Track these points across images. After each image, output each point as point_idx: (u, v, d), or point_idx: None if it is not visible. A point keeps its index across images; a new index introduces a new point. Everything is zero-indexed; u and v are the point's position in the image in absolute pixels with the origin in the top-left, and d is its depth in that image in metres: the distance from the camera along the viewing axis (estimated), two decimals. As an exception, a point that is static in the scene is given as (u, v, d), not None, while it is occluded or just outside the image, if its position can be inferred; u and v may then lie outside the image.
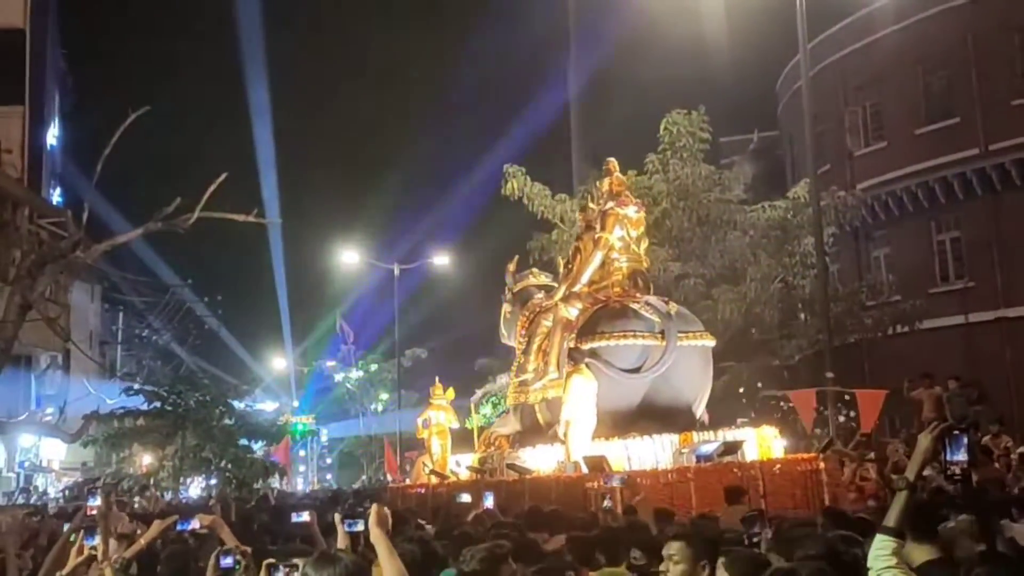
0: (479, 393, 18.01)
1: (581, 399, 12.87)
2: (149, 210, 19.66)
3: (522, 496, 11.37)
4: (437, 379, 18.83)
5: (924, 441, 3.69)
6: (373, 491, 20.35)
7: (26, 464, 29.98)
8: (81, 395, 28.59)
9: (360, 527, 4.70)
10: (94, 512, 6.14)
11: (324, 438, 51.41)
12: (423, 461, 17.25)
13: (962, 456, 3.67)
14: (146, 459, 25.15)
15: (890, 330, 24.12)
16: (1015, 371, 25.10)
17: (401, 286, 34.85)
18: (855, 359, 25.65)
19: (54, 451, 31.49)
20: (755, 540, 5.63)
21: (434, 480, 15.49)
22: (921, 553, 3.92)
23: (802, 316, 23.69)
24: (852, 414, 19.21)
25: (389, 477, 29.73)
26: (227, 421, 24.42)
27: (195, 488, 27.48)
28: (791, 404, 20.26)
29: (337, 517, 4.93)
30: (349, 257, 38.45)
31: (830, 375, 19.21)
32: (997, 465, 13.85)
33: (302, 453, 49.43)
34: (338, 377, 47.41)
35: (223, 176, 21.62)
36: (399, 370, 37.99)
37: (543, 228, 23.57)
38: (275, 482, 29.52)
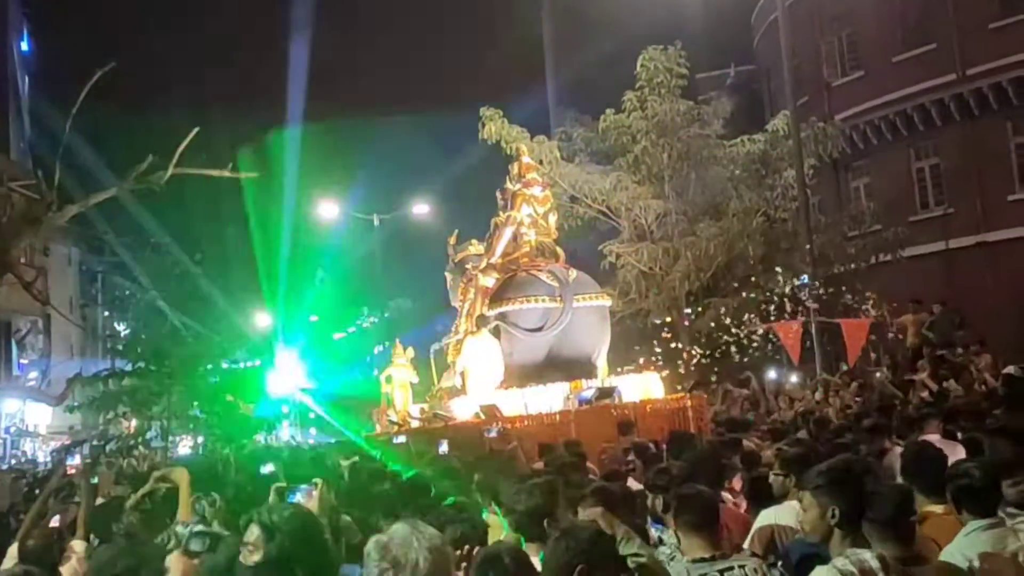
0: (433, 348, 18.62)
1: (475, 355, 15.09)
2: (129, 162, 19.31)
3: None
4: (397, 340, 20.53)
5: None
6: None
7: (12, 430, 29.87)
8: (64, 359, 28.44)
9: (299, 499, 4.36)
10: (73, 472, 6.12)
11: (308, 398, 51.31)
12: (387, 413, 18.83)
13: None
14: (133, 420, 25.04)
15: (872, 259, 24.15)
16: (996, 295, 25.25)
17: (382, 237, 34.65)
18: (838, 290, 25.77)
19: (40, 416, 31.38)
20: (629, 463, 7.78)
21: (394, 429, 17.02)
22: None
23: (785, 249, 23.66)
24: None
25: (377, 427, 29.77)
26: (213, 378, 24.26)
27: (184, 447, 27.45)
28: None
29: (273, 488, 4.61)
30: (328, 210, 38.16)
31: (814, 306, 19.30)
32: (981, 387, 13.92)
33: (285, 408, 49.44)
34: (322, 330, 47.25)
35: (194, 131, 21.29)
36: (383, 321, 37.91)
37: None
38: (262, 437, 29.55)
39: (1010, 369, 14.36)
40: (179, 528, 5.63)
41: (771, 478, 6.07)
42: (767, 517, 5.45)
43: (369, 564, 2.91)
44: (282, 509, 3.53)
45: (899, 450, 6.95)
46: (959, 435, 7.77)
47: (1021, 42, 24.61)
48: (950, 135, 26.77)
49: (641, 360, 22.14)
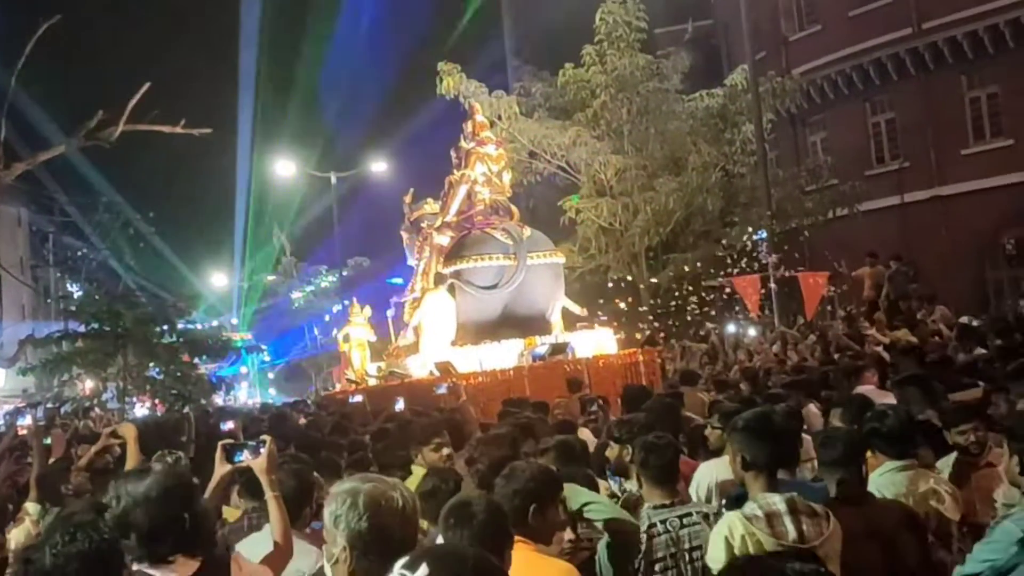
0: (391, 306, 18.73)
1: (430, 313, 15.33)
2: (78, 119, 18.89)
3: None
4: (354, 299, 20.96)
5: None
6: (302, 403, 20.76)
7: (-37, 393, 29.38)
8: (15, 321, 27.93)
9: (246, 457, 4.11)
10: (24, 432, 5.98)
11: (266, 355, 51.12)
12: (345, 372, 19.25)
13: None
14: (88, 382, 24.70)
15: (830, 213, 24.34)
16: (950, 248, 25.60)
17: (341, 195, 34.28)
18: (795, 244, 25.98)
19: (-8, 379, 30.88)
20: (592, 414, 8.02)
21: (351, 387, 17.48)
22: None
23: (743, 203, 23.78)
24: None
25: (337, 386, 29.73)
26: (169, 339, 23.94)
27: (140, 408, 27.14)
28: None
29: (220, 446, 4.29)
30: (285, 168, 37.67)
31: (773, 259, 19.42)
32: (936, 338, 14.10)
33: (244, 369, 49.17)
34: (281, 291, 46.92)
35: (146, 86, 20.85)
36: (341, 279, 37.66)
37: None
38: (220, 398, 29.30)
39: (964, 319, 14.59)
40: None
41: (708, 430, 6.27)
42: (705, 470, 5.57)
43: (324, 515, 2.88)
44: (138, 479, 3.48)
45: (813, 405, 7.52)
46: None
47: (976, -4, 24.73)
48: (906, 89, 26.92)
49: (600, 315, 22.24)
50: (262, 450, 4.06)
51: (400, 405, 10.59)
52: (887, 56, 26.86)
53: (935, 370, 8.14)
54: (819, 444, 4.37)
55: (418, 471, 5.72)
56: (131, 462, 5.66)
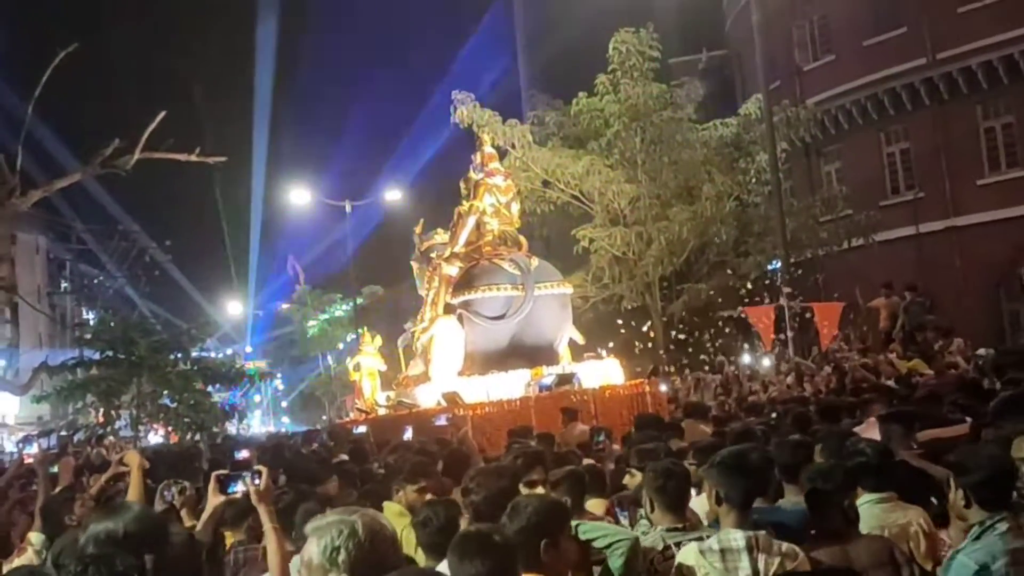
0: (401, 336, 18.76)
1: (439, 343, 15.43)
2: (94, 147, 19.04)
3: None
4: (365, 328, 21.34)
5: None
6: (315, 433, 20.82)
7: (-22, 421, 29.46)
8: (32, 348, 28.02)
9: (239, 489, 4.08)
10: (31, 461, 5.94)
11: (279, 383, 51.14)
12: (355, 400, 19.53)
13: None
14: (102, 410, 24.73)
15: (845, 244, 24.22)
16: (965, 279, 25.44)
17: (355, 224, 34.39)
18: (810, 274, 25.86)
19: (8, 406, 30.94)
20: (599, 445, 7.93)
21: (361, 416, 17.55)
22: None
23: (757, 233, 23.71)
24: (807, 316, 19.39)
25: (352, 415, 29.71)
26: (183, 366, 23.97)
27: (154, 436, 27.12)
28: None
29: (214, 477, 4.28)
30: (300, 196, 37.83)
31: (787, 290, 19.32)
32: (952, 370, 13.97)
33: (257, 398, 49.19)
34: (295, 318, 47.01)
35: (162, 114, 21.01)
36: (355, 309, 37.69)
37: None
38: (233, 427, 29.29)
39: (981, 352, 14.46)
40: None
41: (627, 478, 6.28)
42: (699, 502, 5.49)
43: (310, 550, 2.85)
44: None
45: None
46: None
47: (990, 26, 24.68)
48: (920, 119, 26.86)
49: (611, 344, 22.19)
50: (257, 481, 4.01)
51: (409, 434, 10.56)
52: (901, 86, 26.83)
53: (924, 406, 8.09)
54: (805, 479, 4.53)
55: (390, 507, 5.70)
56: (133, 492, 5.64)
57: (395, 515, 5.46)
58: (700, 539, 4.34)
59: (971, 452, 4.31)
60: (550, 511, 3.63)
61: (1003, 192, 24.90)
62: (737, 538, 3.86)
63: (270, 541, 3.92)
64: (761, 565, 3.78)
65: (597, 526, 4.15)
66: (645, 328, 24.72)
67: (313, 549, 2.68)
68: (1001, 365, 11.99)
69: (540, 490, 4.64)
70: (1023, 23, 23.90)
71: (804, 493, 4.50)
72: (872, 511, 4.57)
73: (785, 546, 3.92)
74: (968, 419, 6.79)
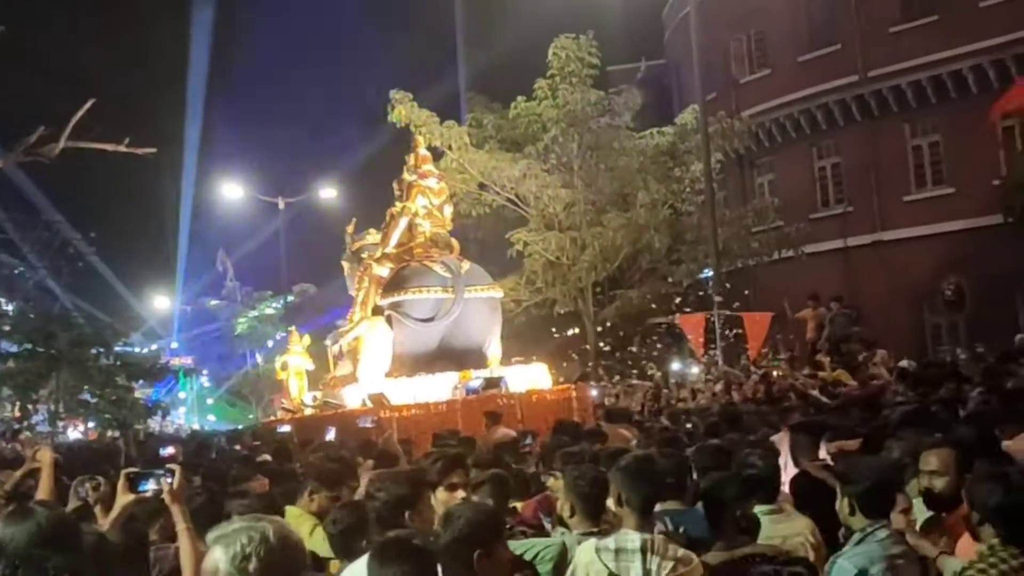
0: (330, 336, 18.65)
1: (367, 344, 15.40)
2: (18, 134, 18.43)
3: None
4: (294, 327, 21.33)
5: None
6: (240, 431, 20.65)
7: None
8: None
9: (151, 488, 4.00)
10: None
11: (205, 380, 50.27)
12: (282, 399, 19.38)
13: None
14: (17, 404, 24.02)
15: (775, 255, 24.56)
16: (890, 292, 26.01)
17: (289, 221, 33.92)
18: (740, 284, 26.19)
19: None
20: (525, 448, 7.98)
21: (287, 416, 17.40)
22: None
23: (690, 241, 23.93)
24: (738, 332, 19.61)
25: (279, 414, 29.30)
26: (105, 361, 23.39)
27: (73, 432, 26.45)
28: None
29: (123, 474, 4.18)
30: (232, 191, 37.23)
31: (718, 299, 19.54)
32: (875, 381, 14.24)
33: (182, 395, 48.27)
34: (224, 315, 46.23)
35: (90, 102, 20.43)
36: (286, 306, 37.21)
37: (432, 156, 23.11)
38: (156, 423, 28.68)
39: (904, 363, 14.76)
40: None
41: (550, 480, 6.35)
42: None
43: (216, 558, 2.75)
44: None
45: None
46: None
47: (920, 46, 25.29)
48: (851, 135, 27.41)
49: (543, 349, 22.18)
50: (170, 479, 3.88)
51: (331, 435, 10.51)
52: (834, 102, 27.34)
53: (836, 417, 8.25)
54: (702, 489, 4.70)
55: (291, 510, 5.63)
56: (43, 489, 5.45)
57: (295, 517, 5.41)
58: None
59: (855, 463, 4.53)
60: (484, 520, 3.55)
61: (928, 209, 25.52)
62: (633, 539, 3.95)
63: (183, 541, 3.80)
64: (653, 567, 3.86)
65: (522, 543, 4.10)
66: (570, 333, 24.81)
67: (220, 557, 2.55)
68: (921, 377, 12.27)
69: (461, 493, 4.54)
70: (952, 44, 24.50)
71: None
72: (762, 522, 4.66)
73: (681, 551, 4.00)
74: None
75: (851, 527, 4.28)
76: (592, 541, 4.09)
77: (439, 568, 3.32)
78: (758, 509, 4.71)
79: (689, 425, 10.02)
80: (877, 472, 4.31)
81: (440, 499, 4.58)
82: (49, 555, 3.21)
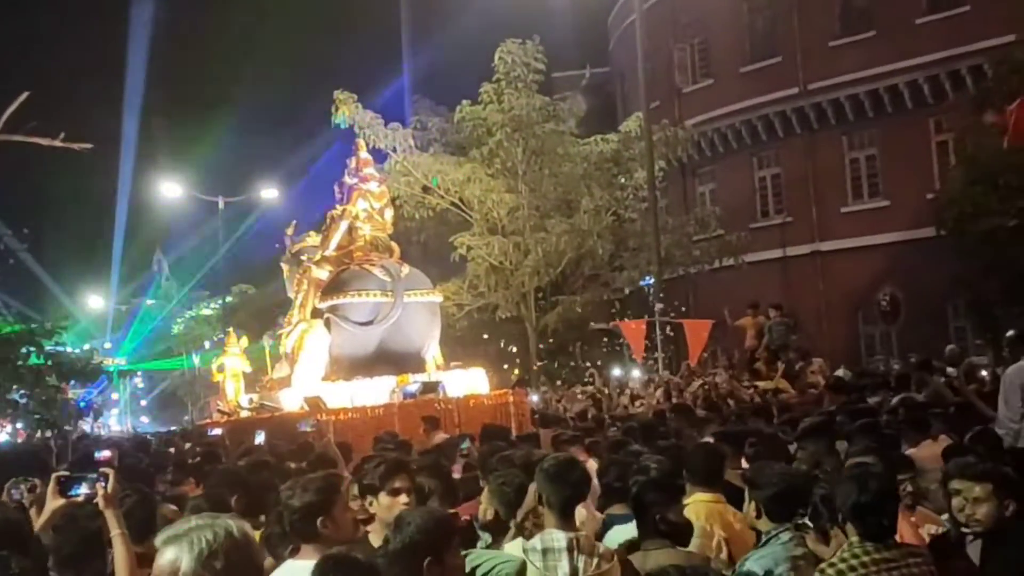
0: (267, 338, 18.51)
1: (304, 346, 15.44)
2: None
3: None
4: (231, 329, 21.28)
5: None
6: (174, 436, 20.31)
7: None
8: None
9: (83, 492, 3.92)
10: None
11: (139, 381, 49.38)
12: (217, 401, 19.12)
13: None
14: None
15: (716, 263, 24.82)
16: (827, 301, 26.48)
17: (228, 220, 33.46)
18: (682, 291, 26.43)
19: None
20: (464, 452, 8.11)
21: (222, 418, 17.27)
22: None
23: (632, 248, 24.07)
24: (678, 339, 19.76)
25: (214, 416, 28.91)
26: (35, 360, 22.83)
27: (1, 433, 25.74)
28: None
29: (54, 478, 4.08)
30: (170, 189, 36.64)
31: (659, 306, 19.68)
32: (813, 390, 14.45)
33: (115, 395, 47.32)
34: (159, 315, 45.45)
35: (24, 95, 19.93)
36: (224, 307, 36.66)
37: (376, 158, 22.95)
38: (88, 425, 28.07)
39: (839, 372, 15.01)
40: None
41: None
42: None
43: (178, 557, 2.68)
44: None
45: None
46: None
47: (858, 61, 25.80)
48: (791, 147, 27.87)
49: (484, 353, 22.16)
50: (103, 484, 3.78)
51: (260, 439, 10.41)
52: (774, 113, 27.78)
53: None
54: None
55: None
56: None
57: None
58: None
59: (761, 469, 4.71)
60: (435, 527, 3.50)
61: (865, 220, 26.03)
62: (559, 538, 4.05)
63: (118, 547, 3.72)
64: (580, 565, 3.96)
65: (480, 555, 4.04)
66: (510, 340, 24.82)
67: (183, 556, 2.46)
68: (856, 387, 12.49)
69: (404, 498, 4.47)
70: (889, 60, 25.04)
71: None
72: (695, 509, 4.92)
73: (603, 548, 4.16)
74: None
75: (758, 530, 4.49)
76: (519, 541, 4.19)
77: None
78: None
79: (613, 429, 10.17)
80: (783, 478, 4.50)
81: (383, 504, 4.50)
82: (10, 555, 3.12)
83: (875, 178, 26.55)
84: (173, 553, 2.48)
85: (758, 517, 4.44)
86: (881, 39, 25.44)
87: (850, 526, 4.07)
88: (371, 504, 4.55)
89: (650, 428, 8.95)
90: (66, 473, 4.15)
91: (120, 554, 3.70)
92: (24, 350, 22.56)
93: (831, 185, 26.99)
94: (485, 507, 4.85)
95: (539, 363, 24.37)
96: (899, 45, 24.87)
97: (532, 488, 4.69)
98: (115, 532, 3.74)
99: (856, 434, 6.81)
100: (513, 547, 4.21)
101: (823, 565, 3.94)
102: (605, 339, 27.81)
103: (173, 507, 5.82)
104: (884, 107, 25.66)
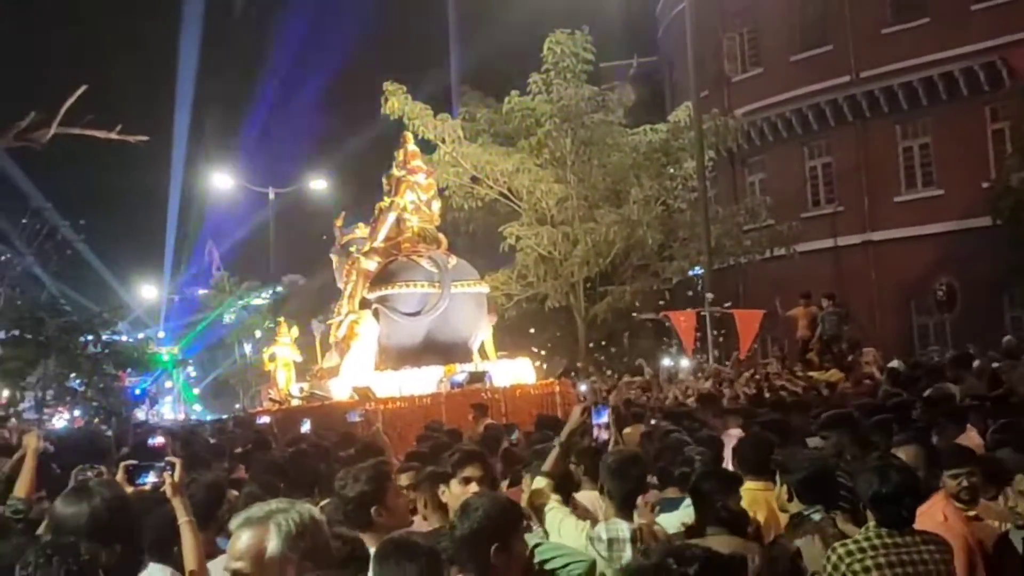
0: (318, 327, 18.71)
1: (353, 337, 15.51)
2: (8, 119, 18.33)
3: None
4: (282, 318, 21.53)
5: (575, 412, 4.97)
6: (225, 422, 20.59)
7: None
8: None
9: (150, 480, 4.03)
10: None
11: (192, 370, 50.08)
12: (268, 390, 19.35)
13: (604, 419, 5.24)
14: (5, 391, 23.93)
15: (767, 253, 24.62)
16: (879, 292, 26.17)
17: (278, 211, 33.85)
18: (731, 281, 26.27)
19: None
20: (514, 443, 8.13)
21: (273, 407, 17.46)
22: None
23: (682, 238, 23.97)
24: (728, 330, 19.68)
25: (265, 404, 29.27)
26: (93, 349, 23.33)
27: (59, 419, 26.32)
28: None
29: (121, 467, 4.19)
30: (222, 180, 37.15)
31: (710, 296, 19.59)
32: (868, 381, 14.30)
33: (168, 384, 48.06)
34: (212, 304, 46.09)
35: (82, 89, 20.32)
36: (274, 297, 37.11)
37: (424, 149, 23.08)
38: (143, 412, 28.62)
39: (894, 363, 14.83)
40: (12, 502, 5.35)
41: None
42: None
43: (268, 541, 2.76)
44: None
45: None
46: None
47: (911, 48, 25.42)
48: (842, 135, 27.53)
49: (532, 343, 22.21)
50: (170, 472, 3.86)
51: (306, 427, 10.55)
52: (825, 102, 27.46)
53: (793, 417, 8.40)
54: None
55: None
56: (26, 474, 5.43)
57: None
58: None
59: (793, 455, 4.98)
60: (501, 513, 3.50)
61: (918, 210, 25.67)
62: (623, 529, 4.20)
63: (186, 534, 3.80)
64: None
65: (550, 548, 4.04)
66: (567, 328, 24.80)
67: (270, 538, 2.53)
68: (910, 378, 12.35)
69: (474, 488, 4.51)
70: (943, 46, 24.63)
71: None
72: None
73: (664, 535, 4.34)
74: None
75: (789, 512, 4.69)
76: (580, 523, 4.26)
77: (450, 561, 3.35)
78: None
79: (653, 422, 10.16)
80: (813, 463, 4.74)
81: (454, 492, 4.57)
82: (105, 539, 3.22)
83: (929, 167, 26.15)
84: (255, 535, 2.54)
85: (789, 500, 4.63)
86: (935, 25, 25.04)
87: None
88: (443, 492, 4.63)
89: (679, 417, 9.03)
90: (134, 462, 4.24)
91: (188, 541, 3.77)
92: (82, 339, 23.06)
93: (884, 174, 26.63)
94: (529, 496, 4.89)
95: (588, 353, 24.35)
96: (953, 31, 24.46)
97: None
98: (183, 520, 3.80)
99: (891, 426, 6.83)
100: (568, 527, 4.26)
101: (836, 544, 4.10)
102: (649, 328, 27.74)
103: (235, 492, 5.93)
104: (938, 95, 25.24)
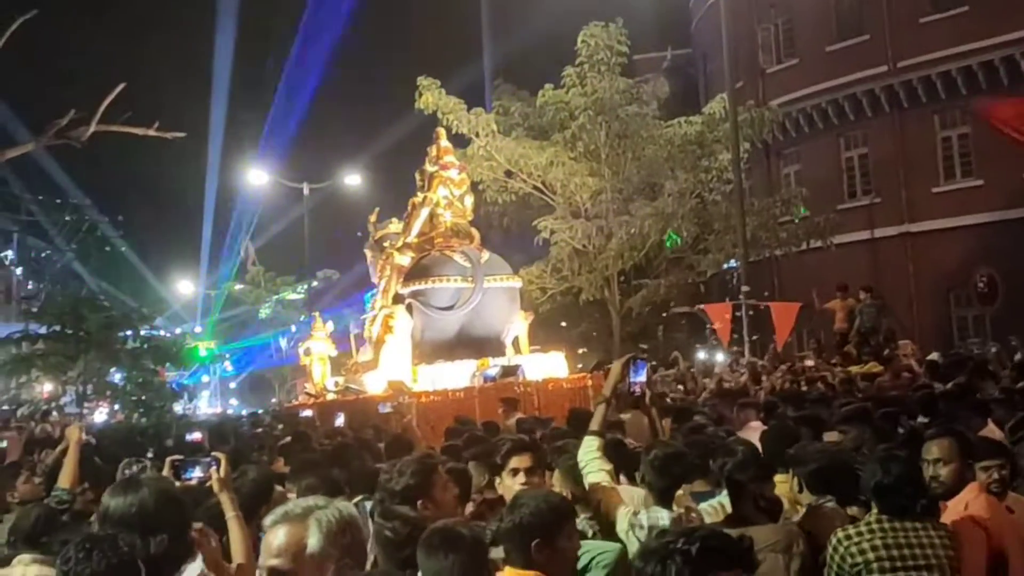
0: (352, 322, 18.88)
1: (388, 331, 15.69)
2: (48, 117, 18.60)
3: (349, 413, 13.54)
4: (317, 313, 21.65)
5: (615, 366, 5.05)
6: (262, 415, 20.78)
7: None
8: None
9: (196, 475, 4.04)
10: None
11: (228, 364, 50.51)
12: (304, 384, 19.73)
13: (641, 378, 5.12)
14: (47, 385, 24.26)
15: (803, 245, 24.39)
16: (917, 284, 25.87)
17: (313, 206, 34.02)
18: (766, 274, 26.09)
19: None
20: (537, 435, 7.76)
21: (309, 400, 17.73)
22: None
23: (717, 231, 23.81)
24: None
25: (301, 398, 29.46)
26: (132, 344, 23.56)
27: (99, 414, 26.64)
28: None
29: (168, 462, 4.22)
30: (257, 176, 37.40)
31: (746, 288, 19.46)
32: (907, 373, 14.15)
33: (205, 378, 48.54)
34: (248, 299, 46.50)
35: (120, 87, 20.58)
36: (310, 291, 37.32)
37: (458, 143, 23.11)
38: (181, 407, 28.89)
39: (933, 356, 14.68)
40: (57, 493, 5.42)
41: None
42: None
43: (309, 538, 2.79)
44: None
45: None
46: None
47: (950, 37, 25.09)
48: (879, 126, 27.24)
49: (567, 336, 22.18)
50: (216, 467, 3.89)
51: (340, 421, 10.73)
52: (862, 92, 27.17)
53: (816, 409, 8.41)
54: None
55: None
56: (69, 466, 5.50)
57: None
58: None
59: (804, 448, 5.16)
60: (548, 510, 3.49)
61: (957, 201, 25.35)
62: (664, 517, 4.25)
63: (233, 529, 3.82)
64: None
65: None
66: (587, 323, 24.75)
67: (310, 535, 2.51)
68: (949, 370, 12.22)
69: (522, 478, 4.53)
70: (981, 36, 24.30)
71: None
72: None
73: (704, 523, 4.37)
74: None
75: (800, 503, 4.82)
76: (626, 511, 4.31)
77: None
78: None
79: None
80: (823, 456, 4.89)
81: (505, 484, 4.61)
82: (153, 531, 3.27)
83: (968, 157, 25.81)
84: (295, 532, 2.51)
85: (800, 491, 4.77)
86: (974, 14, 24.69)
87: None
88: (499, 483, 4.68)
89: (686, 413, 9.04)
90: (180, 457, 4.29)
91: (236, 536, 3.79)
92: (122, 334, 23.29)
93: (922, 165, 26.31)
94: (558, 489, 4.85)
95: (622, 346, 24.26)
96: (993, 20, 24.10)
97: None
98: (230, 515, 3.83)
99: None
100: (620, 513, 4.31)
101: (837, 529, 4.24)
102: (683, 321, 27.63)
103: (280, 488, 5.99)
104: (978, 84, 24.89)
